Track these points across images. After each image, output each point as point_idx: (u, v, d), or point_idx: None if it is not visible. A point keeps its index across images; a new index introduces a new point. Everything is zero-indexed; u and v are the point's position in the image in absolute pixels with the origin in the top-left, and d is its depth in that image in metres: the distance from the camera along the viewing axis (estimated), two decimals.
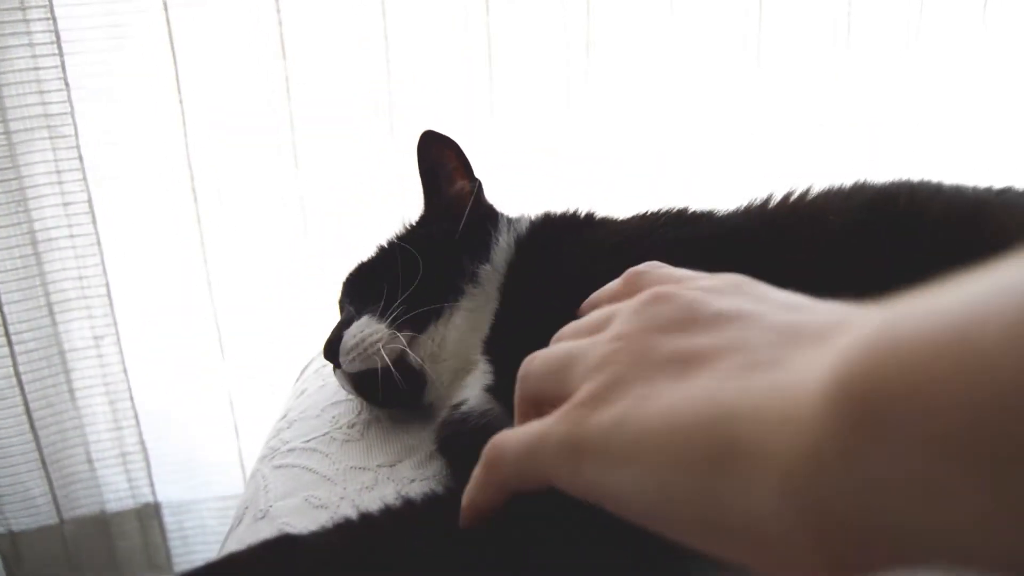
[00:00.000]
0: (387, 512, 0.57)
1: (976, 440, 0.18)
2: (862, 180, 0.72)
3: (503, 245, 0.80)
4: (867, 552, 0.21)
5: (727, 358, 0.28)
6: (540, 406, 0.37)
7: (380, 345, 0.76)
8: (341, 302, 0.91)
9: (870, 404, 0.21)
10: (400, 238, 0.88)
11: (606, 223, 0.81)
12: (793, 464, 0.23)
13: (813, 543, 0.22)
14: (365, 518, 0.57)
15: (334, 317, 1.48)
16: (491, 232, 0.81)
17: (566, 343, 0.38)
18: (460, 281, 0.78)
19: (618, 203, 0.86)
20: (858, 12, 1.58)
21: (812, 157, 1.63)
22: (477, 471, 0.39)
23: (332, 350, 0.79)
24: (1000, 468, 0.18)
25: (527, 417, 0.38)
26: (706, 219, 0.73)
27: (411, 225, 0.91)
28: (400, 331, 0.76)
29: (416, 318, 0.77)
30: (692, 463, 0.26)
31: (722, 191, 1.61)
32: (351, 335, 0.77)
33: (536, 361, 0.39)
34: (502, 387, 0.67)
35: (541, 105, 1.54)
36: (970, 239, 0.59)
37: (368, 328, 0.77)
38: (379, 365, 0.77)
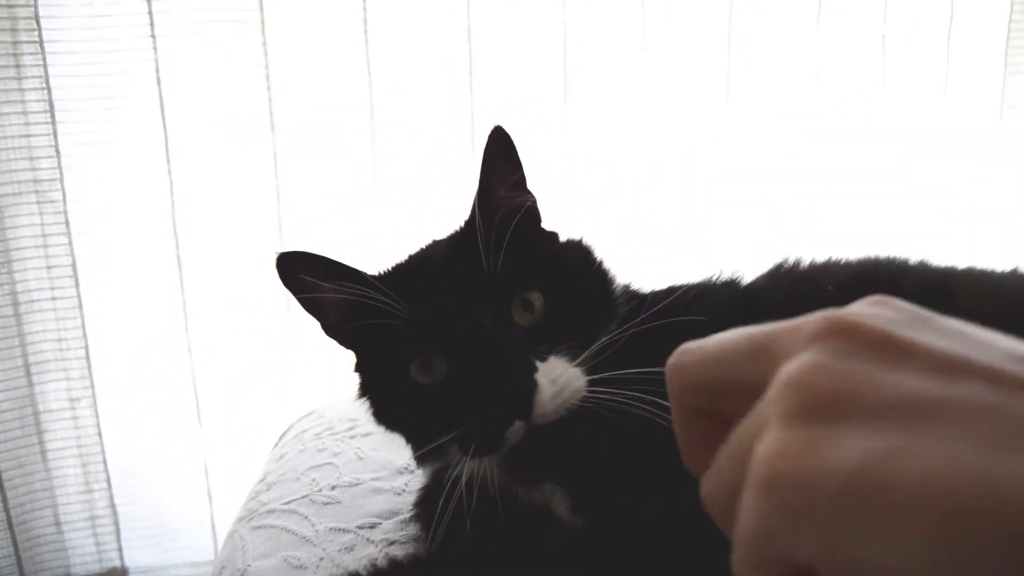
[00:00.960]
0: (374, 572, 0.59)
1: None
2: (837, 257, 0.80)
3: (618, 297, 0.77)
4: None
5: (972, 421, 0.23)
6: (712, 402, 0.30)
7: (580, 396, 0.66)
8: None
9: None
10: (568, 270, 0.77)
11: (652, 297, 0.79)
12: None
13: None
14: None
15: (313, 389, 1.53)
16: (608, 276, 0.79)
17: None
18: (609, 319, 0.74)
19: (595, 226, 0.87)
20: (827, 52, 1.69)
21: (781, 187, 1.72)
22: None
23: (524, 398, 0.64)
24: None
25: (690, 423, 0.32)
26: (729, 287, 0.80)
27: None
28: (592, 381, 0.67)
29: (599, 364, 0.68)
30: (973, 550, 0.20)
31: (694, 223, 1.69)
32: (549, 381, 0.65)
33: (694, 346, 0.31)
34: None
35: (523, 119, 1.60)
36: (943, 305, 0.66)
37: (566, 374, 0.67)
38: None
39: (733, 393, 0.29)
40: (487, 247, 0.70)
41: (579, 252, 0.80)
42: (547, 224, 0.82)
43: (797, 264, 0.80)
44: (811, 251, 0.82)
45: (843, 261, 0.79)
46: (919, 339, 0.25)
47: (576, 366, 0.67)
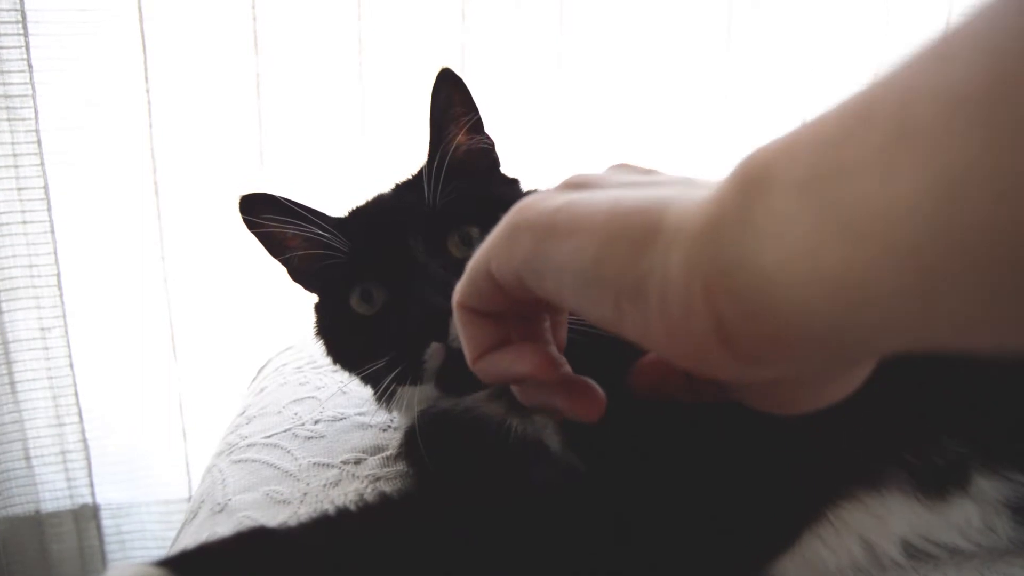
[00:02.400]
0: (364, 507, 0.55)
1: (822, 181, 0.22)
2: None
3: None
4: (749, 315, 0.25)
5: (662, 184, 0.33)
6: None
7: None
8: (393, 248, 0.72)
9: (758, 166, 0.25)
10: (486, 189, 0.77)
11: None
12: (698, 232, 0.26)
13: (705, 304, 0.26)
14: (342, 512, 0.55)
15: (292, 325, 1.48)
16: None
17: None
18: None
19: None
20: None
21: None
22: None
23: (439, 320, 0.64)
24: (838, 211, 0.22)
25: None
26: None
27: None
28: None
29: None
30: (625, 237, 0.29)
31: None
32: None
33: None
34: None
35: (514, 101, 1.55)
36: None
37: None
38: None
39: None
40: (430, 183, 0.71)
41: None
42: (531, 167, 0.84)
43: None
44: None
45: None
46: (621, 176, 0.36)
47: None
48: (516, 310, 0.40)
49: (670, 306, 0.27)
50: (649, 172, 0.37)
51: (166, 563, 0.43)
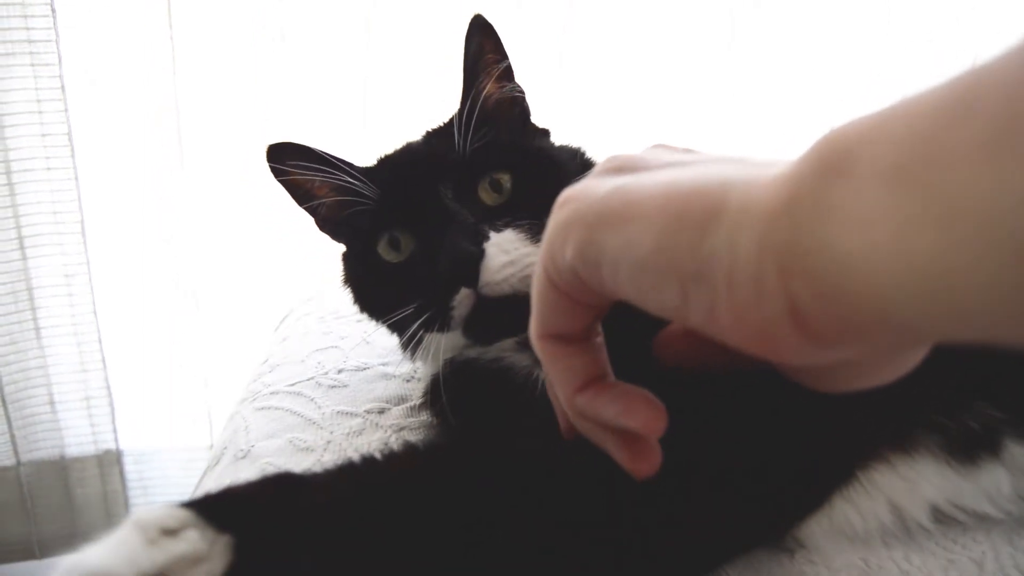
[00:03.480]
0: (390, 456, 0.55)
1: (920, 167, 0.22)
2: None
3: None
4: (827, 297, 0.24)
5: (707, 163, 0.32)
6: None
7: (532, 265, 0.64)
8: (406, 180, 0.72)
9: (840, 150, 0.24)
10: (530, 144, 0.76)
11: None
12: (770, 213, 0.26)
13: (779, 286, 0.25)
14: (368, 461, 0.55)
15: (314, 271, 1.47)
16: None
17: None
18: None
19: None
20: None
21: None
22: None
23: (470, 265, 0.63)
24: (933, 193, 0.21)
25: None
26: None
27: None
28: None
29: None
30: (687, 219, 0.28)
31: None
32: (501, 251, 0.64)
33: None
34: None
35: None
36: None
37: (523, 248, 0.64)
38: (528, 293, 0.67)
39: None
40: (460, 130, 0.70)
41: (569, 153, 0.78)
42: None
43: None
44: None
45: None
46: (662, 155, 0.35)
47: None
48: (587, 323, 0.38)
49: (739, 288, 0.26)
50: (688, 151, 0.36)
51: (191, 505, 0.43)
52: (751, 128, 1.63)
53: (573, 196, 0.33)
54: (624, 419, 0.37)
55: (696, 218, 0.28)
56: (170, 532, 0.40)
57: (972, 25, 1.59)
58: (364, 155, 0.78)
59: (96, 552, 0.37)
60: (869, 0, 1.59)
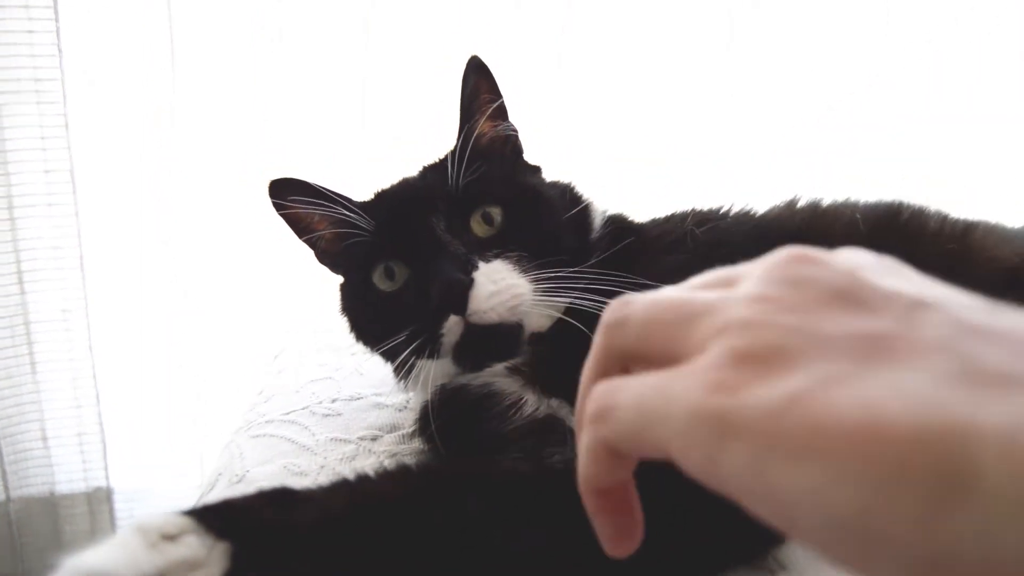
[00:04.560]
0: (384, 474, 0.56)
1: None
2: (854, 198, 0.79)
3: (598, 234, 0.77)
4: None
5: (928, 356, 0.22)
6: (632, 361, 0.31)
7: (522, 301, 0.66)
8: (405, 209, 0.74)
9: None
10: (519, 179, 0.79)
11: (651, 225, 0.82)
12: None
13: None
14: (362, 478, 0.56)
15: (306, 310, 1.48)
16: (589, 219, 0.78)
17: (678, 292, 0.31)
18: (581, 251, 0.73)
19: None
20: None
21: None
22: (583, 430, 0.31)
23: (458, 293, 0.65)
24: None
25: (610, 373, 0.32)
26: (740, 215, 0.79)
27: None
28: (539, 290, 0.67)
29: (549, 279, 0.67)
30: (910, 478, 0.20)
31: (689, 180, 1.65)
32: (489, 280, 0.66)
33: (636, 306, 0.31)
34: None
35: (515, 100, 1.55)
36: (960, 249, 0.70)
37: (510, 278, 0.67)
38: (514, 322, 0.67)
39: (645, 361, 0.30)
40: (455, 165, 0.72)
41: (559, 189, 0.80)
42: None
43: (813, 201, 0.79)
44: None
45: (861, 200, 0.78)
46: (881, 281, 0.26)
47: (532, 278, 0.68)
48: None
49: None
50: (919, 304, 0.25)
51: (191, 513, 0.44)
52: (750, 129, 1.66)
53: (712, 387, 0.25)
54: (612, 540, 0.34)
55: (926, 480, 0.20)
56: (170, 537, 0.41)
57: (971, 25, 1.64)
58: (363, 154, 0.80)
59: (97, 553, 0.38)
60: (867, 2, 1.63)
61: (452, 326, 0.66)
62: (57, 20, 1.38)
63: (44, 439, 1.62)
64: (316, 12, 1.50)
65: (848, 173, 1.67)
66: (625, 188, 1.63)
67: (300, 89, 1.52)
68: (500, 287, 0.66)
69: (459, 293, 0.65)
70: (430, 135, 1.50)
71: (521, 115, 0.82)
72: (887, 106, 1.68)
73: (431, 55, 1.50)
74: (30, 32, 1.39)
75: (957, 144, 1.69)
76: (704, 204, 0.82)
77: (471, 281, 0.65)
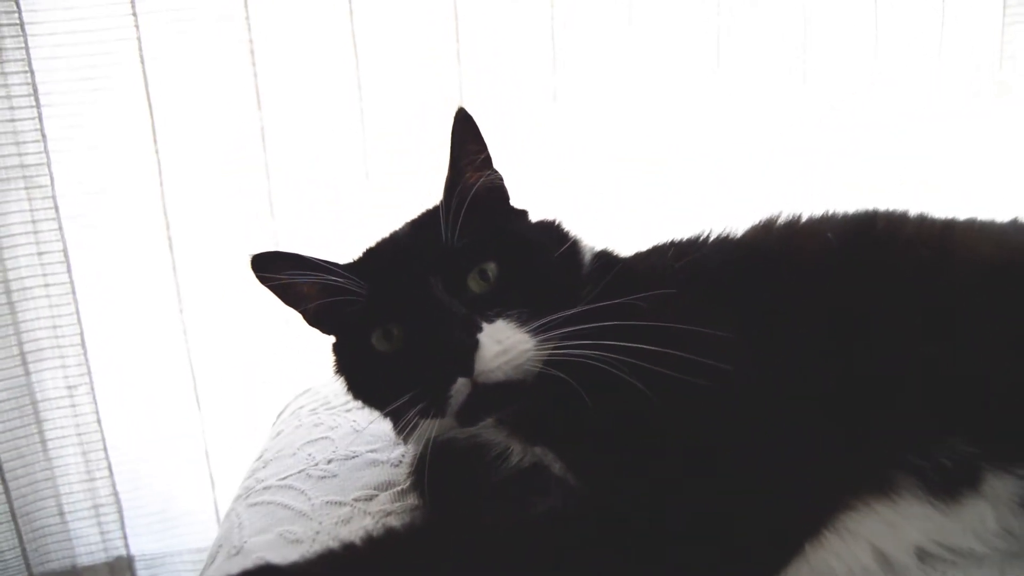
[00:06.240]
0: (369, 541, 0.57)
1: None
2: (834, 210, 0.81)
3: (587, 269, 0.78)
4: None
5: None
6: None
7: (527, 359, 0.67)
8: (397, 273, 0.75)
9: None
10: (507, 229, 0.79)
11: (636, 260, 0.83)
12: None
13: None
14: (348, 547, 0.57)
15: (312, 366, 1.50)
16: (579, 255, 0.79)
17: None
18: (574, 288, 0.73)
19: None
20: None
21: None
22: None
23: (466, 356, 0.66)
24: None
25: None
26: (718, 242, 0.81)
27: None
28: (542, 343, 0.68)
29: (550, 331, 0.67)
30: None
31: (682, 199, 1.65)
32: (494, 341, 0.67)
33: None
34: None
35: (510, 135, 1.58)
36: (936, 252, 0.71)
37: (513, 336, 0.68)
38: (519, 379, 0.68)
39: None
40: (447, 222, 0.73)
41: (547, 230, 0.82)
42: (527, 201, 0.84)
43: (792, 218, 0.81)
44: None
45: (840, 214, 0.80)
46: None
47: (532, 331, 0.68)
48: None
49: None
50: None
51: None
52: (750, 128, 1.68)
53: None
54: None
55: None
56: None
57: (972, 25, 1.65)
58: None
59: None
60: (851, 29, 1.66)
61: (460, 387, 0.67)
62: (38, 107, 1.41)
63: (61, 514, 1.64)
64: (309, 78, 1.53)
65: (847, 174, 1.68)
66: (624, 188, 1.65)
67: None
68: (505, 346, 0.67)
69: (466, 355, 0.66)
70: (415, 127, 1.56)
71: (518, 149, 0.82)
72: (887, 106, 1.70)
73: (418, 47, 1.53)
74: (12, 121, 1.42)
75: (956, 146, 1.71)
76: (685, 233, 0.84)
77: (476, 342, 0.66)
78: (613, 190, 1.65)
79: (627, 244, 0.87)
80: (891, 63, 1.69)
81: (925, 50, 1.70)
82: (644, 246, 0.85)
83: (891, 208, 0.79)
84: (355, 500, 0.79)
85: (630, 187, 1.65)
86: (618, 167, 1.65)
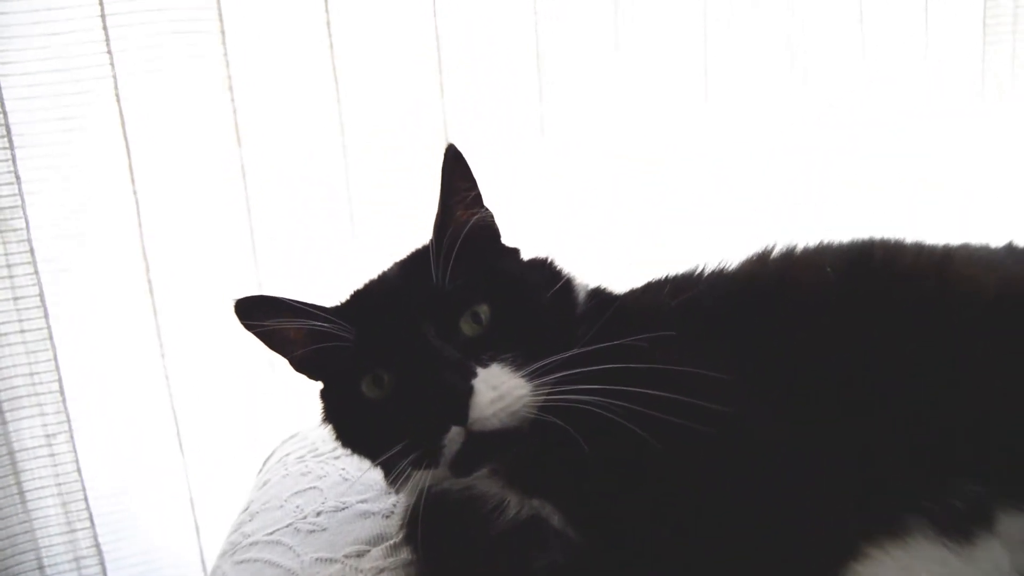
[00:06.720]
0: None
1: None
2: (833, 240, 0.79)
3: (582, 308, 0.76)
4: None
5: None
6: None
7: (523, 405, 0.65)
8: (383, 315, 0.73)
9: None
10: (501, 270, 0.77)
11: (631, 298, 0.81)
12: None
13: None
14: None
15: (297, 411, 1.47)
16: (572, 294, 0.77)
17: None
18: (569, 328, 0.71)
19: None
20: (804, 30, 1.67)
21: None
22: None
23: (460, 403, 0.64)
24: None
25: None
26: (713, 276, 0.79)
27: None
28: (538, 388, 0.66)
29: (545, 375, 0.66)
30: None
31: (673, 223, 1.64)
32: (489, 387, 0.64)
33: None
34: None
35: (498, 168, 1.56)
36: (936, 285, 0.69)
37: (509, 381, 0.65)
38: (515, 426, 0.65)
39: None
40: (438, 263, 0.71)
41: (539, 269, 0.80)
42: (518, 236, 0.83)
43: (787, 249, 0.79)
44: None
45: (835, 244, 0.78)
46: None
47: (527, 376, 0.66)
48: None
49: None
50: None
51: None
52: (749, 129, 1.67)
53: None
54: None
55: None
56: None
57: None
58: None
59: None
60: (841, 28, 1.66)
61: (454, 436, 0.64)
62: (12, 148, 1.38)
63: (40, 568, 1.58)
64: (290, 114, 1.51)
65: (847, 172, 1.68)
66: (623, 188, 1.64)
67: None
68: (501, 392, 0.64)
69: (460, 402, 0.63)
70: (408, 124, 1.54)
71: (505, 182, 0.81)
72: (884, 104, 1.70)
73: (408, 45, 1.51)
74: None
75: (955, 144, 1.70)
76: (679, 269, 0.82)
77: (471, 389, 0.64)
78: (609, 194, 1.64)
79: (621, 275, 0.85)
80: (879, 63, 1.69)
81: (911, 50, 1.71)
82: (639, 280, 0.83)
83: (887, 237, 0.77)
84: (346, 556, 0.76)
85: (626, 192, 1.64)
86: (615, 166, 1.64)
